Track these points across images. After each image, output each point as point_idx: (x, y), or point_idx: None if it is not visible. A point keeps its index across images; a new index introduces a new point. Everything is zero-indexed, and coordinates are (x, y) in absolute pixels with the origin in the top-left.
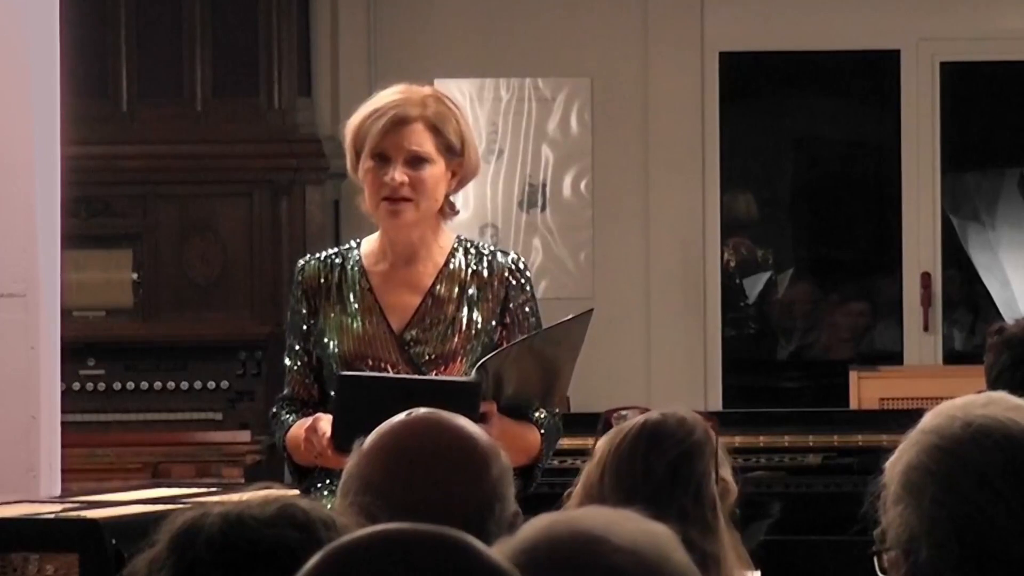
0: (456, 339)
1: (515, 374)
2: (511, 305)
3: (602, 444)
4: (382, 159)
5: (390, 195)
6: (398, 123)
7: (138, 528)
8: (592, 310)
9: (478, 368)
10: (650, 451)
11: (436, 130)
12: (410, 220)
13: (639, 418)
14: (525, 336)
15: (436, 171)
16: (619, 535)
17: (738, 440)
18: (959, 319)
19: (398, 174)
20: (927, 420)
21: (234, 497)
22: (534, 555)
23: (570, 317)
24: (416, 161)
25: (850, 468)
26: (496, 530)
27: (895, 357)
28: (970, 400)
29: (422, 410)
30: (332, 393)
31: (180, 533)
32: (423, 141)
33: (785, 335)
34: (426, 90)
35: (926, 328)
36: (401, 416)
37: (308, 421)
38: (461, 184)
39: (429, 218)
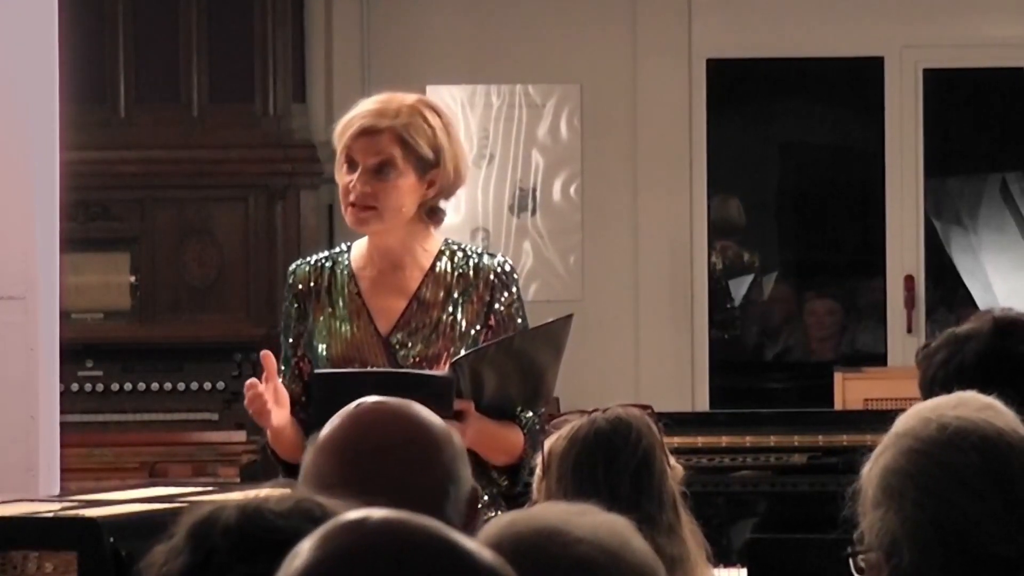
0: (441, 342)
1: (494, 376)
2: (496, 307)
3: (555, 461)
4: (351, 165)
5: (354, 201)
6: (365, 133)
7: (136, 527)
8: (572, 315)
9: (452, 364)
10: (609, 469)
11: (403, 141)
12: (374, 229)
13: (586, 428)
14: (502, 338)
15: (403, 182)
16: (579, 526)
17: (725, 440)
18: (942, 321)
19: (360, 183)
20: (900, 423)
21: (251, 493)
22: (499, 552)
23: (549, 321)
24: (380, 171)
25: (835, 467)
26: (454, 511)
27: (879, 358)
28: (941, 402)
29: (371, 399)
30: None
31: (198, 524)
32: (387, 152)
33: (771, 337)
34: (408, 99)
35: (909, 330)
36: (350, 407)
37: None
38: (444, 193)
39: (398, 227)
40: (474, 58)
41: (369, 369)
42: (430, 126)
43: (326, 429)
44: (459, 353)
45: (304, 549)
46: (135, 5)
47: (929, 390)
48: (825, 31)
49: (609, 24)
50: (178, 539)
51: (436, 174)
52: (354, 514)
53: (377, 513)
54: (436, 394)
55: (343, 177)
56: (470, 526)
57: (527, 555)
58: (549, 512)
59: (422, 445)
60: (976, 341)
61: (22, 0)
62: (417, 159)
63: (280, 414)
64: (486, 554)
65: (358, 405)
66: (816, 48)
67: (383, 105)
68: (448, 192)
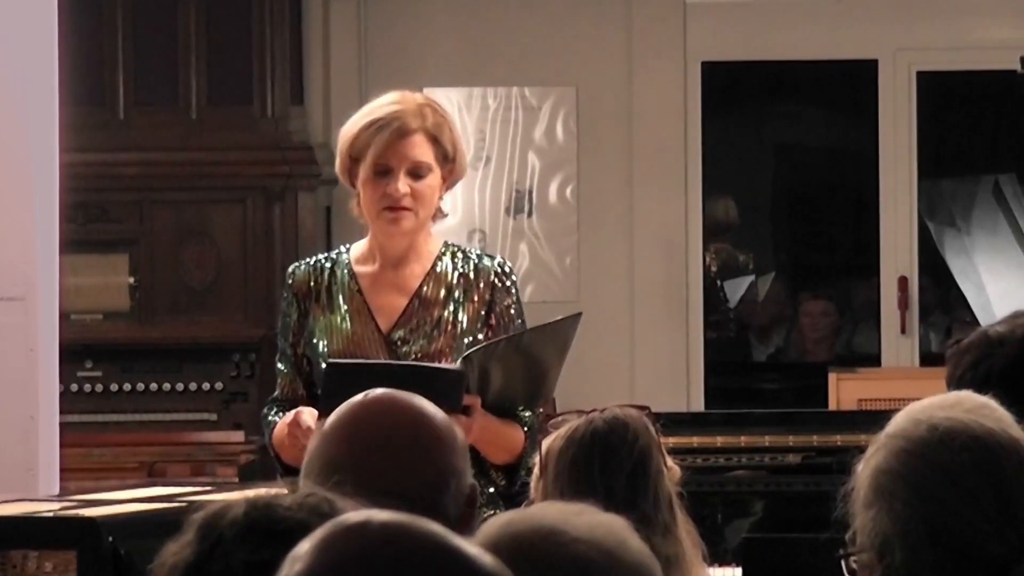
0: (442, 339)
1: (501, 373)
2: (496, 307)
3: (552, 460)
4: (384, 170)
5: (392, 205)
6: (401, 135)
7: (134, 526)
8: (580, 314)
9: (463, 359)
10: (605, 469)
11: (435, 140)
12: (409, 228)
13: (583, 427)
14: (512, 334)
15: (434, 180)
16: (576, 526)
17: (720, 440)
18: (935, 322)
19: (401, 185)
20: (892, 424)
21: (262, 491)
22: (497, 552)
23: (559, 319)
24: (417, 172)
25: (829, 467)
26: (452, 505)
27: (873, 359)
28: (933, 402)
29: (379, 391)
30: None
31: (207, 517)
32: (424, 153)
33: (766, 337)
34: (419, 98)
35: (903, 331)
36: (359, 397)
37: (290, 416)
38: (450, 187)
39: (425, 225)
40: (471, 61)
41: (383, 361)
42: (447, 123)
43: (333, 417)
44: (460, 351)
45: (303, 553)
46: (134, 7)
47: (956, 388)
48: (819, 34)
49: (605, 27)
50: (188, 533)
51: (451, 169)
52: (355, 517)
53: (378, 516)
54: (447, 388)
55: (376, 186)
56: (467, 523)
57: (524, 554)
58: (546, 511)
59: (425, 436)
60: (1007, 347)
61: (22, 2)
62: (443, 157)
63: None
64: (487, 560)
65: (366, 395)
66: (810, 51)
67: (403, 106)
68: (452, 186)
